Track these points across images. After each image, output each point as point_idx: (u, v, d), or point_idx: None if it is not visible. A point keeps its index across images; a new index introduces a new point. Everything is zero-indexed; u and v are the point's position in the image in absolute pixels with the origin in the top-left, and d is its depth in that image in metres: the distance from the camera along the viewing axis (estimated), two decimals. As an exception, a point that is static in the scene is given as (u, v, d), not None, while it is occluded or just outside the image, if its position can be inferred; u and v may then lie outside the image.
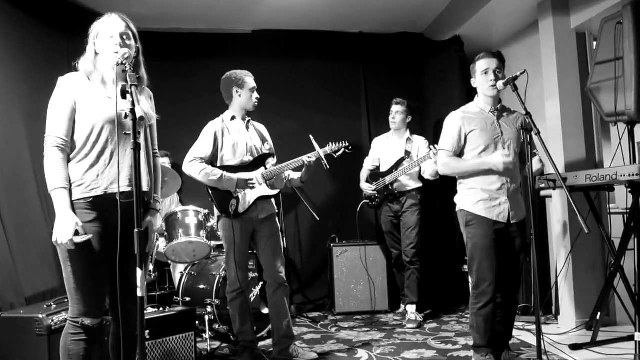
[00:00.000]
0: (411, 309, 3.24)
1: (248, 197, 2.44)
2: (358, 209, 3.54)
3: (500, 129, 2.22)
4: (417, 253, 3.25)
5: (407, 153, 3.31)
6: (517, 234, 2.21)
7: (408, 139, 3.37)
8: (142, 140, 1.54)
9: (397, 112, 3.37)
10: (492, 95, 2.22)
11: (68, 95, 1.58)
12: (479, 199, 2.18)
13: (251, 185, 2.40)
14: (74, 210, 1.54)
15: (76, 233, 1.50)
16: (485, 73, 2.20)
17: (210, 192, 2.45)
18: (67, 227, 1.49)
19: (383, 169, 3.42)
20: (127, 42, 1.63)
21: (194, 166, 2.40)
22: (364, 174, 3.52)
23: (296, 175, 2.61)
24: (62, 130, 1.56)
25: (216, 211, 2.53)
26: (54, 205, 1.54)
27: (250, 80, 2.52)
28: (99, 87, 1.62)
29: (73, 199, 1.57)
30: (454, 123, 2.25)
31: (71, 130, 1.58)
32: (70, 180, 1.57)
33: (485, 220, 2.16)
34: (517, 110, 2.36)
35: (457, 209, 2.28)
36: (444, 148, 2.26)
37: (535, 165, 2.27)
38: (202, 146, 2.44)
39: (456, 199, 2.29)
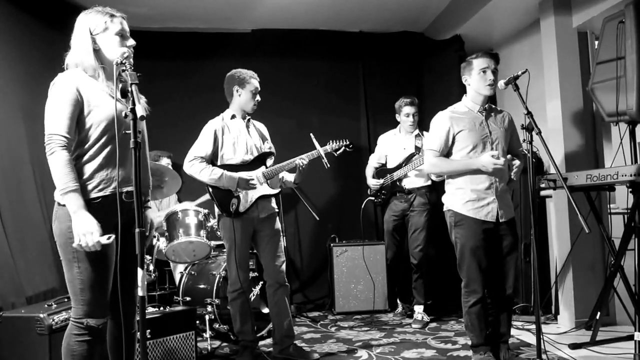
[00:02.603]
0: (419, 309, 3.23)
1: (249, 196, 2.43)
2: (362, 206, 3.52)
3: (489, 129, 2.23)
4: (425, 255, 3.23)
5: (418, 149, 3.25)
6: (507, 232, 2.22)
7: (417, 135, 3.32)
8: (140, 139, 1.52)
9: (413, 114, 3.28)
10: (487, 95, 2.22)
11: (73, 91, 1.52)
12: (467, 199, 2.20)
13: (252, 186, 2.40)
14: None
15: None
16: (484, 72, 2.19)
17: (211, 190, 2.45)
18: (92, 229, 1.46)
19: (390, 166, 3.36)
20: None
21: (194, 166, 2.39)
22: (369, 171, 3.46)
23: (290, 177, 2.61)
24: (66, 129, 1.50)
25: (217, 210, 2.53)
26: (62, 206, 1.51)
27: (254, 82, 2.49)
28: (102, 84, 1.58)
29: None
30: (442, 123, 2.25)
31: (74, 128, 1.53)
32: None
33: (474, 221, 2.18)
34: (504, 109, 2.37)
35: (444, 209, 2.29)
36: (431, 148, 2.27)
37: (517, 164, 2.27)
38: (202, 145, 2.43)
39: (444, 199, 2.31)
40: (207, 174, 2.37)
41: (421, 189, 3.27)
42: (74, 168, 1.52)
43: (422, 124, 4.02)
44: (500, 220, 2.19)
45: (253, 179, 2.41)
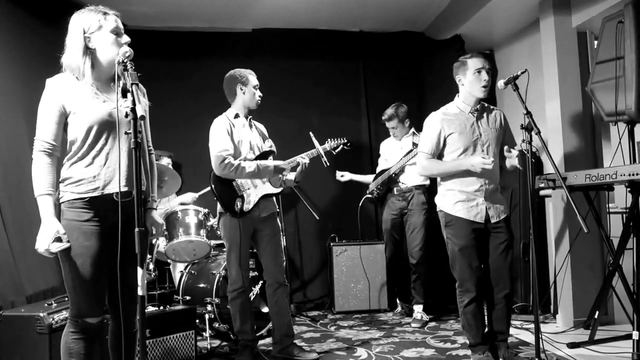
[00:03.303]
0: (418, 308, 3.25)
1: (252, 196, 2.44)
2: (360, 205, 3.54)
3: (479, 130, 2.23)
4: (424, 255, 3.24)
5: (415, 145, 3.27)
6: (500, 231, 2.23)
7: (413, 133, 3.37)
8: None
9: (392, 128, 3.36)
10: (481, 97, 2.22)
11: (56, 98, 1.55)
12: (457, 200, 2.22)
13: (285, 174, 2.44)
14: (65, 214, 1.55)
15: (59, 240, 1.50)
16: (479, 72, 2.19)
17: (214, 189, 2.44)
18: (45, 236, 1.49)
19: (390, 165, 3.39)
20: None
21: (228, 165, 2.34)
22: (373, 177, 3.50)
23: (290, 176, 2.62)
24: (49, 134, 1.55)
25: (218, 209, 2.52)
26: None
27: (253, 78, 2.52)
28: (91, 86, 1.58)
29: (69, 198, 1.56)
30: (433, 126, 2.27)
31: (60, 134, 1.57)
32: (58, 184, 1.57)
33: (464, 221, 2.20)
34: (495, 108, 2.37)
35: (437, 209, 2.32)
36: (423, 150, 2.29)
37: (510, 162, 2.23)
38: (223, 142, 2.40)
39: (436, 200, 2.34)
40: (243, 169, 2.35)
41: (419, 187, 3.29)
42: (51, 172, 1.55)
43: (422, 123, 4.02)
44: (492, 221, 2.21)
45: (285, 169, 2.44)
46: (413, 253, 3.26)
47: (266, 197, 2.47)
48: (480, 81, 2.18)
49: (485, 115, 2.28)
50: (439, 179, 2.33)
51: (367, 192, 3.50)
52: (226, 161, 2.35)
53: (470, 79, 2.20)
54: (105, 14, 1.60)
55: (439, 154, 2.28)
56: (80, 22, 1.58)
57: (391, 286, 3.56)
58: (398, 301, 3.52)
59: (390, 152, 3.43)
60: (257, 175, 2.39)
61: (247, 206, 2.41)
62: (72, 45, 1.58)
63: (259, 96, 2.52)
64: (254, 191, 2.45)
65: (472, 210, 2.20)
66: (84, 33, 1.57)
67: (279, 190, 2.53)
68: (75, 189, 1.57)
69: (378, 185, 3.40)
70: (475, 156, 2.17)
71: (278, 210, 2.59)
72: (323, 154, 2.54)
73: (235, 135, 2.46)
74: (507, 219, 2.28)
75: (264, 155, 2.53)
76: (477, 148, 2.22)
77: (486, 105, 2.32)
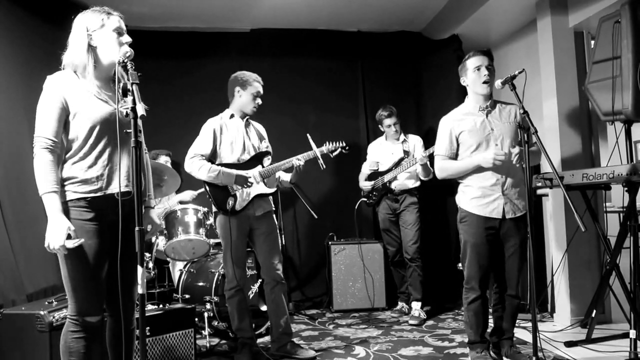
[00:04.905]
0: (416, 305, 3.27)
1: (245, 194, 2.45)
2: (356, 207, 3.56)
3: (491, 126, 2.24)
4: (418, 250, 3.28)
5: (406, 152, 3.35)
6: (513, 232, 2.22)
7: (404, 141, 3.41)
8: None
9: (394, 124, 3.36)
10: (484, 93, 2.23)
11: (58, 95, 1.55)
12: (472, 196, 2.23)
13: (249, 184, 2.42)
14: (67, 213, 1.53)
15: (68, 237, 1.49)
16: (478, 69, 2.21)
17: (208, 188, 2.46)
18: (58, 233, 1.48)
19: (382, 170, 3.44)
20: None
21: (194, 163, 2.41)
22: (362, 177, 3.54)
23: (286, 177, 2.63)
24: (51, 132, 1.54)
25: (214, 208, 2.54)
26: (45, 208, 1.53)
27: (256, 85, 2.51)
28: (92, 85, 1.59)
29: (71, 197, 1.57)
30: (444, 127, 2.30)
31: (61, 131, 1.56)
32: (61, 183, 1.56)
33: (477, 218, 2.21)
34: (512, 103, 2.36)
35: (458, 206, 2.34)
36: (438, 153, 2.32)
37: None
38: (202, 143, 2.45)
39: (456, 197, 2.35)
40: (205, 171, 2.39)
41: (411, 190, 3.36)
42: (54, 170, 1.54)
43: (422, 122, 4.05)
44: (507, 217, 2.19)
45: (250, 177, 2.43)
46: (407, 248, 3.30)
47: (260, 196, 2.49)
48: (480, 77, 2.20)
49: (497, 110, 2.27)
50: (458, 178, 2.32)
51: (362, 195, 3.54)
52: (194, 158, 2.40)
53: (471, 78, 2.23)
54: (108, 13, 1.62)
55: (455, 155, 2.29)
56: (84, 21, 1.61)
57: (391, 284, 3.58)
58: (399, 301, 3.53)
59: (381, 156, 3.47)
60: (216, 180, 2.39)
61: (240, 204, 2.43)
62: (76, 42, 1.60)
63: (257, 103, 2.52)
64: (246, 190, 2.46)
65: (488, 207, 2.19)
66: (87, 31, 1.59)
67: (272, 190, 2.54)
68: (78, 189, 1.57)
69: (374, 192, 3.44)
70: (488, 150, 2.18)
71: (274, 208, 2.60)
72: (320, 156, 2.54)
73: (227, 136, 2.48)
74: (523, 218, 2.23)
75: (259, 156, 2.54)
76: (490, 143, 2.21)
77: (500, 101, 2.32)
